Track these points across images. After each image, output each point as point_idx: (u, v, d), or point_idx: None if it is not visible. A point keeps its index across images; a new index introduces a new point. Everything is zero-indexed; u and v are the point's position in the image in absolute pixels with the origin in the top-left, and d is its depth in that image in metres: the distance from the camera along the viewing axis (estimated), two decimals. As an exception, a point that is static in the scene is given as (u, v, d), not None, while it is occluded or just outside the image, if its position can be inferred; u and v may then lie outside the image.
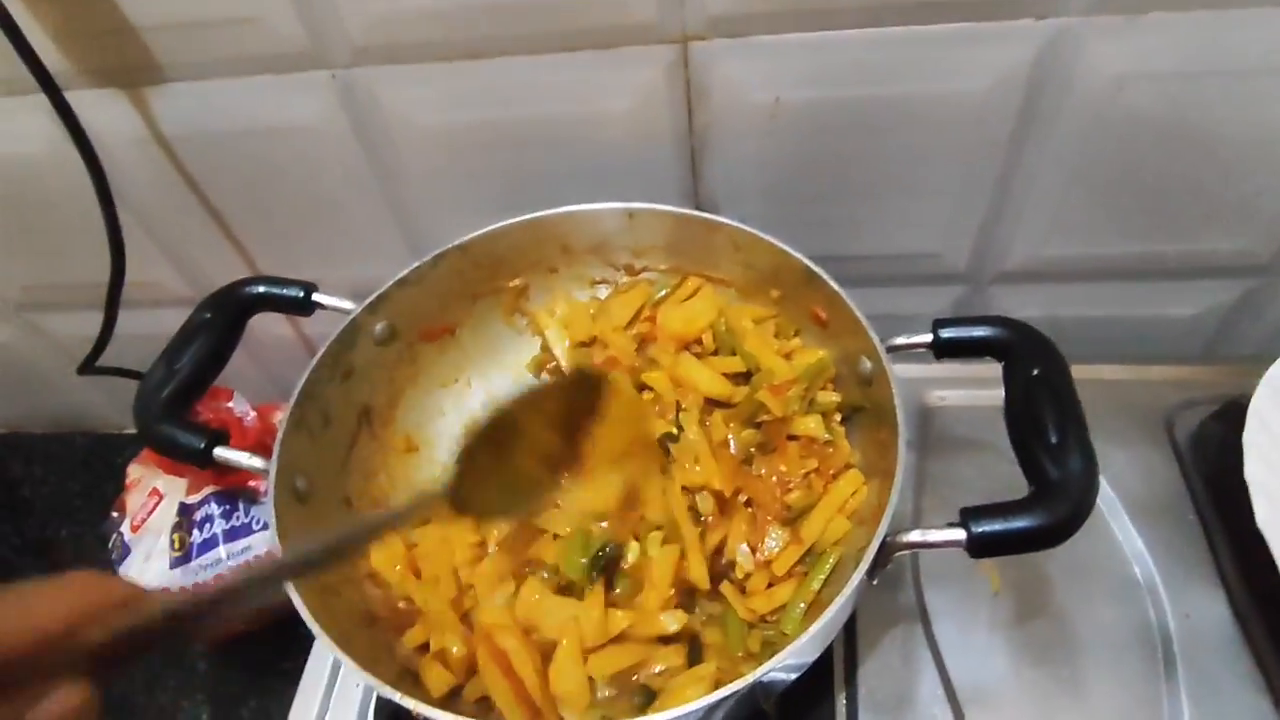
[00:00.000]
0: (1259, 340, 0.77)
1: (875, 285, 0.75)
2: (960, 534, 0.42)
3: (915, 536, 0.43)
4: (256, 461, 0.53)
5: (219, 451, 0.53)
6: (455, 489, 0.43)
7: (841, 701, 0.57)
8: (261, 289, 0.60)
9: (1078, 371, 0.71)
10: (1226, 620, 0.58)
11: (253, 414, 0.79)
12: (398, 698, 0.41)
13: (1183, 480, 0.65)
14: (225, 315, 0.59)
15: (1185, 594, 0.59)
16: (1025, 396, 0.46)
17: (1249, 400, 0.59)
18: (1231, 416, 0.61)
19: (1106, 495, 0.65)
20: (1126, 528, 0.63)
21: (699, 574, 0.52)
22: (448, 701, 0.50)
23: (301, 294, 0.61)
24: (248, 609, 0.36)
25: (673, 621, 0.49)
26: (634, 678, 0.49)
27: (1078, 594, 0.60)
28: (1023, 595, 0.61)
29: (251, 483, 0.77)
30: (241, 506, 0.82)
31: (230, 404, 0.86)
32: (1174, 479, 0.65)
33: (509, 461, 0.48)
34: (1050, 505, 0.41)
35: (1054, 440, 0.43)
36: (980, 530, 0.41)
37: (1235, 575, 0.59)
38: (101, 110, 0.65)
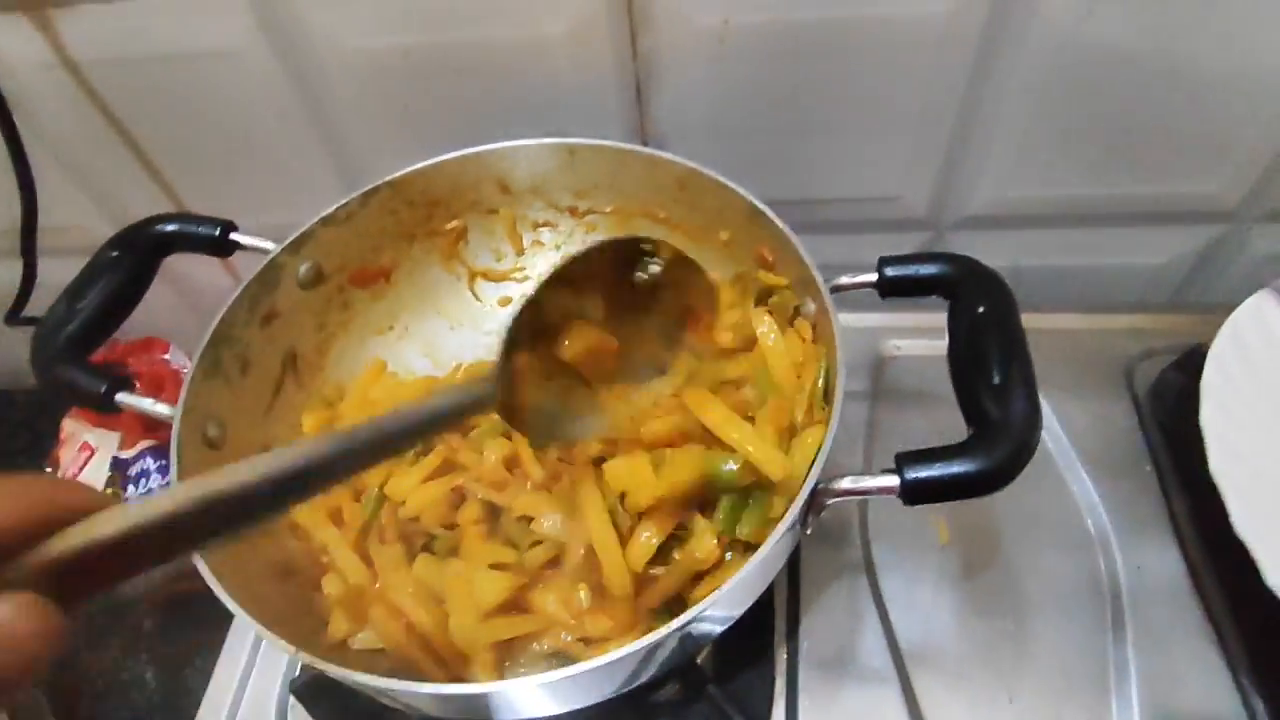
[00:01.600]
0: (1225, 290, 0.74)
1: (833, 232, 0.72)
2: (894, 480, 0.39)
3: (847, 483, 0.41)
4: (161, 408, 0.49)
5: (122, 397, 0.50)
6: (503, 395, 0.40)
7: (782, 656, 0.55)
8: (174, 227, 0.57)
9: (1037, 321, 0.69)
10: (1179, 573, 0.56)
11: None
12: (291, 651, 0.39)
13: (1140, 431, 0.63)
14: (134, 254, 0.55)
15: (1138, 546, 0.58)
16: (969, 335, 0.43)
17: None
18: (1192, 365, 0.59)
19: (1062, 446, 0.63)
20: (1081, 479, 0.61)
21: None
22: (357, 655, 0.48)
23: (218, 232, 0.57)
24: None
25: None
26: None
27: (1028, 546, 0.59)
28: (972, 547, 0.59)
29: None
30: (179, 460, 0.79)
31: (166, 356, 0.83)
32: (1131, 429, 0.63)
33: (553, 365, 0.46)
34: (988, 449, 0.39)
35: (996, 380, 0.41)
36: (914, 476, 0.39)
37: (1189, 527, 0.58)
38: (2, 34, 0.61)
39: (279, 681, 0.58)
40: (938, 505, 0.59)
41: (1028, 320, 0.69)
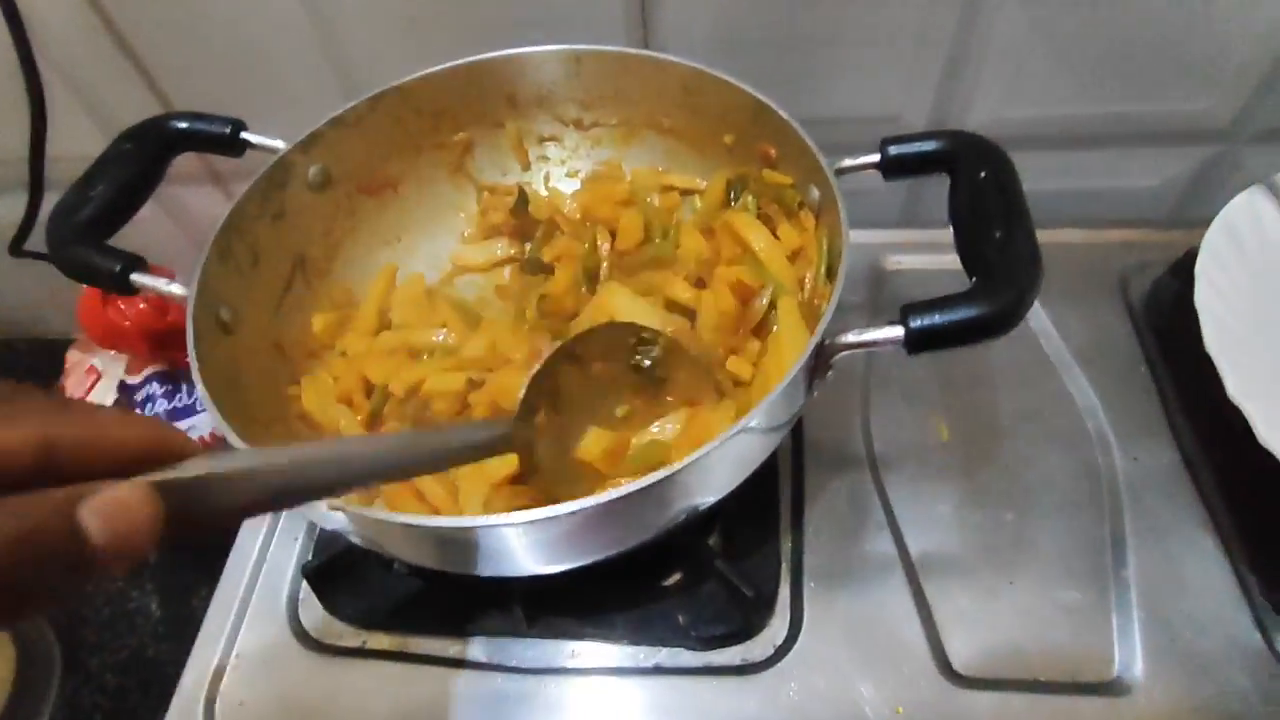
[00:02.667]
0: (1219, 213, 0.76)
1: (832, 154, 0.73)
2: (899, 331, 0.40)
3: (852, 337, 0.42)
4: (176, 288, 0.50)
5: (136, 277, 0.50)
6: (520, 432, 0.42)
7: (787, 544, 0.56)
8: (184, 124, 0.57)
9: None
10: (1173, 461, 0.57)
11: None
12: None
13: (1135, 336, 0.64)
14: (145, 148, 0.56)
15: (1133, 440, 0.59)
16: (970, 197, 0.44)
17: (1203, 250, 0.58)
18: (1184, 272, 0.60)
19: (1059, 351, 0.64)
20: (1079, 381, 0.62)
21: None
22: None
23: (228, 130, 0.58)
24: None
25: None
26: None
27: (1027, 443, 0.60)
28: (972, 445, 0.60)
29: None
30: (185, 388, 0.80)
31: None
32: (1127, 334, 0.65)
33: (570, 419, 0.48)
34: (992, 294, 0.39)
35: (998, 235, 0.41)
36: (919, 324, 0.40)
37: (1182, 418, 0.59)
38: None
39: (291, 568, 0.58)
40: (937, 404, 0.61)
41: (1025, 234, 0.71)
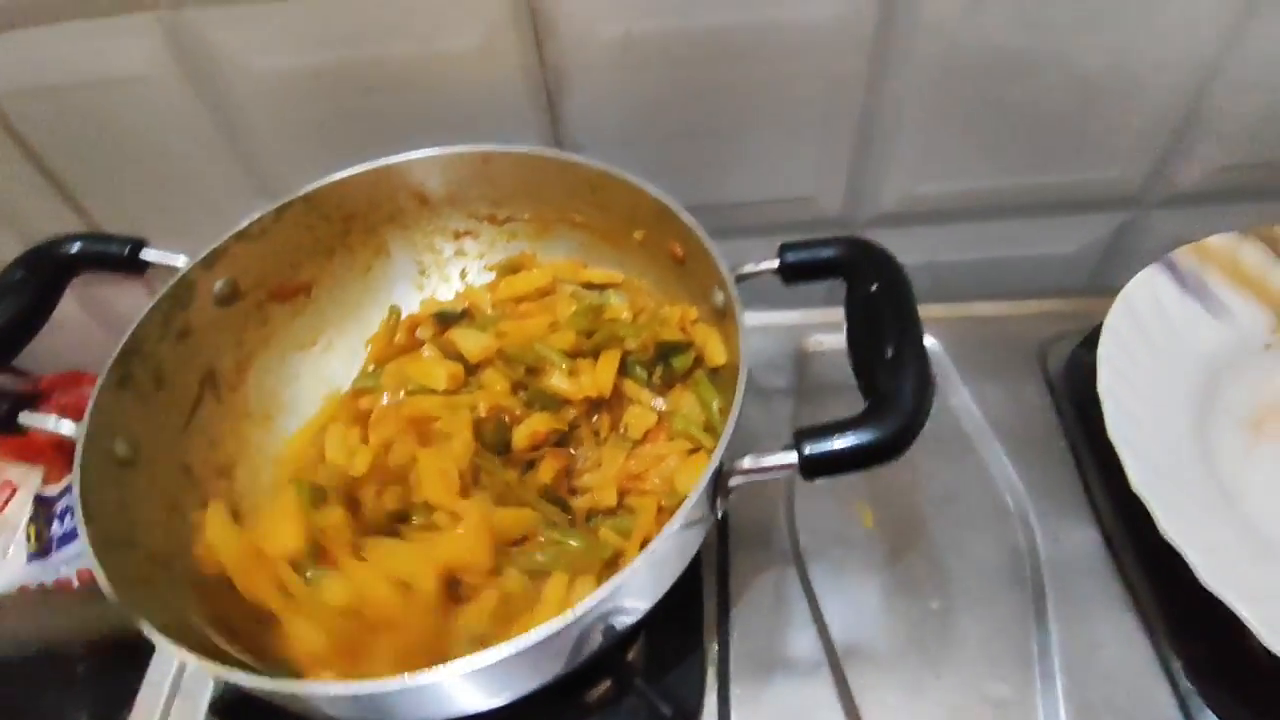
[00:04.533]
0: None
1: (751, 235, 0.73)
2: (792, 457, 0.40)
3: (748, 462, 0.41)
4: (65, 425, 0.49)
5: (24, 416, 0.49)
6: None
7: (713, 648, 0.55)
8: (80, 245, 0.56)
9: (953, 310, 0.72)
10: (1095, 542, 0.58)
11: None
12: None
13: (1055, 410, 0.65)
14: (40, 275, 0.55)
15: (1055, 520, 0.59)
16: (864, 313, 0.45)
17: (1113, 324, 0.58)
18: (1098, 342, 0.60)
19: (979, 427, 0.64)
20: (999, 458, 0.63)
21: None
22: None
23: (127, 250, 0.57)
24: None
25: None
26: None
27: (950, 525, 0.60)
28: (895, 530, 0.60)
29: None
30: (107, 494, 0.77)
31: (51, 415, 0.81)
32: (1046, 409, 0.65)
33: None
34: (882, 420, 0.40)
35: (889, 355, 0.42)
36: (812, 451, 0.40)
37: (1103, 497, 0.59)
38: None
39: (205, 703, 0.56)
40: (861, 489, 0.61)
41: (944, 310, 0.71)
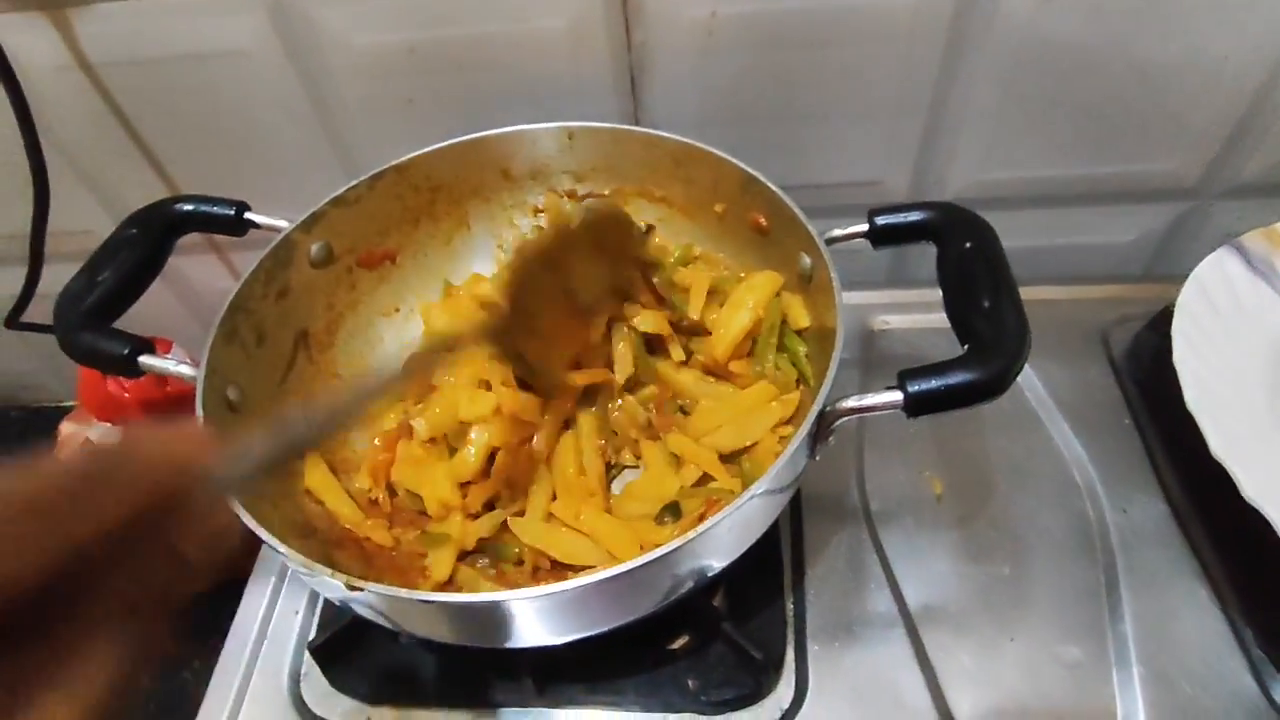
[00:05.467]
0: (1193, 265, 0.78)
1: (819, 218, 0.75)
2: (898, 395, 0.42)
3: (853, 402, 0.43)
4: (185, 368, 0.51)
5: (145, 359, 0.51)
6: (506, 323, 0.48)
7: (790, 605, 0.57)
8: (189, 206, 0.59)
9: (1016, 293, 0.73)
10: (1162, 513, 0.59)
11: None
12: (329, 575, 0.40)
13: (1119, 389, 0.66)
14: (151, 232, 0.57)
15: (1122, 492, 0.60)
16: (958, 268, 0.46)
17: (1179, 305, 0.60)
18: (1163, 325, 0.62)
19: (1046, 405, 0.66)
20: (1066, 435, 0.64)
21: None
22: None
23: (233, 212, 0.59)
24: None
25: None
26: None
27: (1018, 497, 0.61)
28: (965, 500, 0.61)
29: (188, 425, 0.75)
30: (180, 460, 0.80)
31: (171, 356, 0.84)
32: (1110, 388, 0.66)
33: (549, 306, 0.53)
34: (985, 360, 0.41)
35: (986, 304, 0.43)
36: (917, 389, 0.41)
37: (1169, 470, 0.60)
38: (20, 35, 0.63)
39: (292, 644, 0.58)
40: (929, 460, 0.63)
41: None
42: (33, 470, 0.24)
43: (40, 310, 0.71)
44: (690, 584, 0.46)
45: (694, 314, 0.59)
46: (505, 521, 0.54)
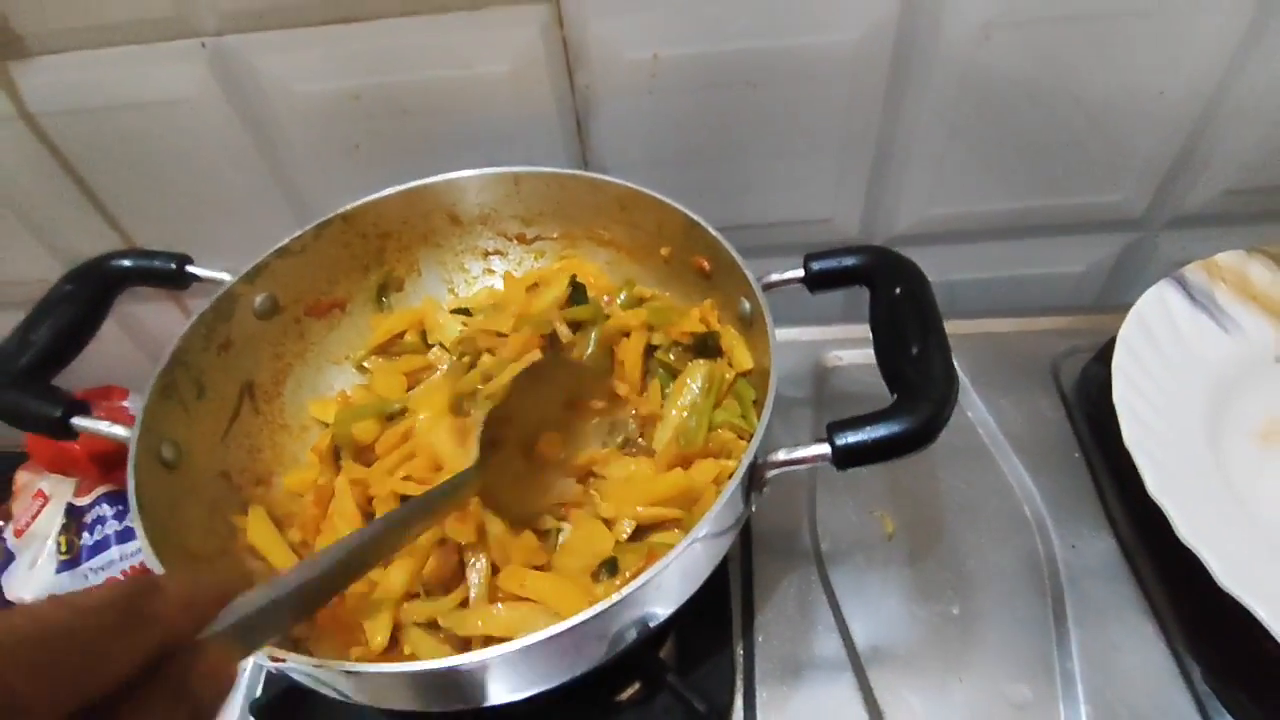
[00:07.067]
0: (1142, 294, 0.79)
1: (771, 256, 0.75)
2: (825, 448, 0.42)
3: (783, 455, 0.43)
4: (118, 429, 0.50)
5: (77, 420, 0.51)
6: (483, 479, 0.48)
7: (739, 650, 0.56)
8: (128, 262, 0.58)
9: (968, 326, 0.73)
10: (1110, 549, 0.59)
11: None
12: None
13: (1068, 422, 0.67)
14: (88, 288, 0.56)
15: (1071, 527, 0.60)
16: (888, 314, 0.47)
17: (1124, 337, 0.60)
18: (1110, 356, 0.62)
19: (996, 439, 0.66)
20: (1016, 469, 0.64)
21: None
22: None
23: (173, 266, 0.59)
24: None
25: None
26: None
27: (969, 534, 0.61)
28: (915, 538, 0.61)
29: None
30: (135, 509, 0.79)
31: (125, 403, 0.83)
32: (1060, 421, 0.67)
33: (519, 452, 0.54)
34: (912, 410, 0.41)
35: (915, 351, 0.44)
36: (845, 442, 0.41)
37: (1117, 505, 0.60)
38: (-39, 88, 0.63)
39: (239, 705, 0.57)
40: (881, 499, 0.62)
41: (959, 326, 0.73)
42: (42, 614, 0.24)
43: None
44: (634, 634, 0.46)
45: (638, 405, 0.60)
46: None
